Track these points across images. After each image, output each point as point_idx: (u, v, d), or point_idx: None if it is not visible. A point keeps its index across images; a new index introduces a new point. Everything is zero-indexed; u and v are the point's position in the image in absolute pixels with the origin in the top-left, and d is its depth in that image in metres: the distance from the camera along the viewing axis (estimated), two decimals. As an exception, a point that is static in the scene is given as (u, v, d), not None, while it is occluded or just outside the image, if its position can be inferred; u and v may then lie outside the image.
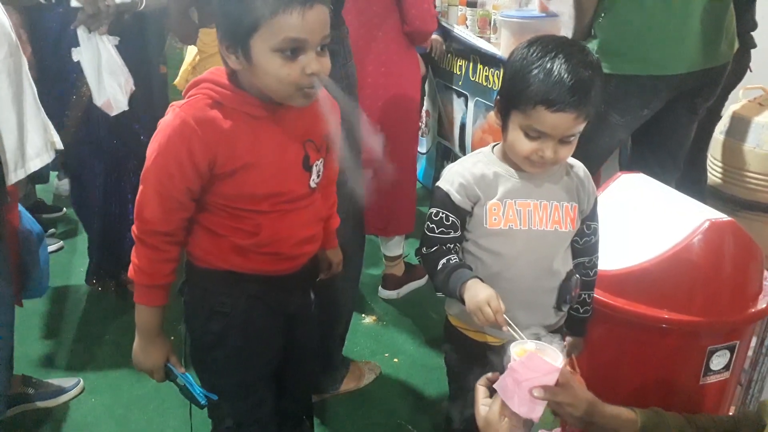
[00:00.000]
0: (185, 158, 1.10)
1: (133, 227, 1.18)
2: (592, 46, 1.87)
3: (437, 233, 1.23)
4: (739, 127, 2.48)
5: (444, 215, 1.23)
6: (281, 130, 1.16)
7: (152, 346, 1.24)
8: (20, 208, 1.72)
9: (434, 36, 2.96)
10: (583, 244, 1.32)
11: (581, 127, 1.14)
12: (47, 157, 1.54)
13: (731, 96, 2.54)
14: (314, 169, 1.23)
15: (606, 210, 1.58)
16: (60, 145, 1.63)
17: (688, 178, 2.38)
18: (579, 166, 1.29)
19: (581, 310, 1.36)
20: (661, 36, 1.82)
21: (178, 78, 2.77)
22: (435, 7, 2.25)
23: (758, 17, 2.43)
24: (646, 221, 1.54)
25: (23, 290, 1.77)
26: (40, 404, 1.91)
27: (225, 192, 1.16)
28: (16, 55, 1.42)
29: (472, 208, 1.23)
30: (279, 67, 1.06)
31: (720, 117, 2.56)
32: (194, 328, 1.29)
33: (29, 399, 1.90)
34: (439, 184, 1.26)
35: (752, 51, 2.44)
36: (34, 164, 1.50)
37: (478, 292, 1.11)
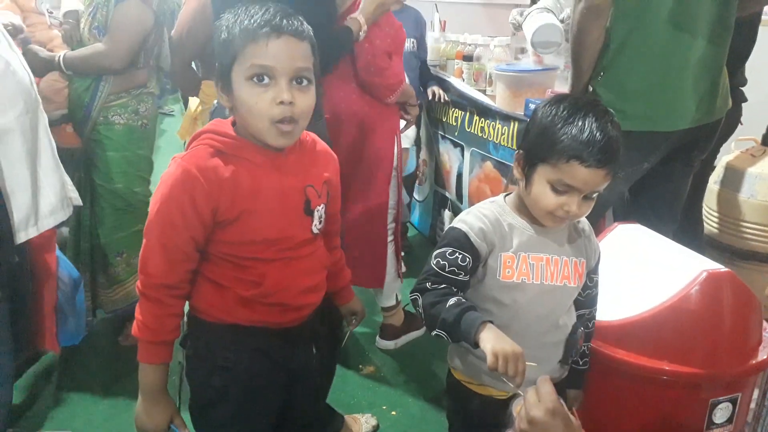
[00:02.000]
0: (188, 207, 1.11)
1: (137, 283, 1.17)
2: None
3: (447, 272, 1.18)
4: (733, 177, 2.52)
5: (460, 255, 1.18)
6: (282, 175, 1.18)
7: (156, 407, 1.20)
8: (58, 253, 1.72)
9: (433, 87, 3.02)
10: (585, 296, 1.33)
11: (607, 183, 1.16)
12: (62, 215, 1.55)
13: (723, 147, 2.60)
14: (316, 215, 1.23)
15: (603, 260, 1.59)
16: (78, 201, 1.64)
17: (684, 228, 2.39)
18: (584, 222, 1.31)
19: (581, 362, 1.36)
20: (660, 94, 1.86)
21: (180, 128, 2.82)
22: (390, 60, 2.25)
23: (747, 73, 2.52)
24: (643, 271, 1.54)
25: (60, 336, 1.76)
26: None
27: (228, 239, 1.16)
28: (33, 111, 1.43)
29: (487, 256, 1.21)
30: (249, 96, 1.10)
31: (713, 168, 2.61)
32: (196, 383, 1.26)
33: None
34: (455, 225, 1.23)
35: (743, 105, 2.52)
36: (48, 222, 1.50)
37: (505, 342, 1.06)
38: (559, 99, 1.19)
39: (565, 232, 1.26)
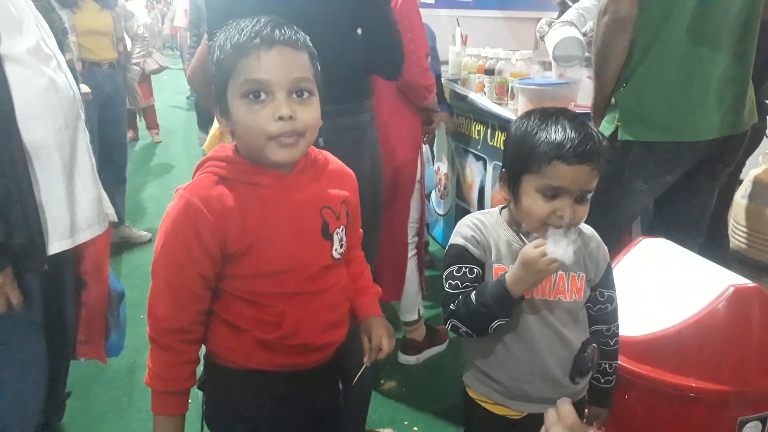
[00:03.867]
0: (193, 242, 1.03)
1: (147, 330, 1.09)
2: (613, 114, 1.90)
3: (462, 288, 1.19)
4: (762, 192, 2.48)
5: (467, 269, 1.20)
6: (293, 198, 1.09)
7: None
8: None
9: (443, 113, 3.01)
10: (597, 312, 1.29)
11: (595, 182, 1.14)
12: (98, 229, 1.57)
13: (749, 161, 2.55)
14: (335, 238, 1.14)
15: (628, 275, 1.57)
16: (114, 218, 1.67)
17: (709, 242, 2.35)
18: (589, 234, 1.28)
19: (602, 380, 1.33)
20: (683, 105, 1.84)
21: (206, 143, 2.86)
22: (427, 60, 2.28)
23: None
24: (668, 286, 1.52)
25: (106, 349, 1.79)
26: None
27: (241, 274, 1.07)
28: (73, 128, 1.45)
29: (485, 264, 1.22)
30: (245, 113, 1.01)
31: (739, 182, 2.56)
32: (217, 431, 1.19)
33: None
34: (452, 241, 1.24)
35: None
36: (84, 235, 1.51)
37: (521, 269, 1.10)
38: (528, 113, 1.20)
39: None
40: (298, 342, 1.11)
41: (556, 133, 1.11)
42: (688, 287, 1.46)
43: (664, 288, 1.52)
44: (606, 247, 1.30)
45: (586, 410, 1.32)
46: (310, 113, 1.05)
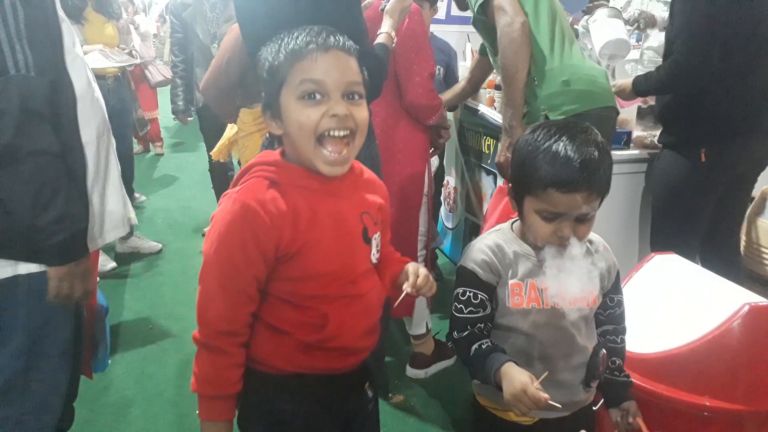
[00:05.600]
0: (251, 244, 1.04)
1: (195, 333, 1.10)
2: (538, 103, 2.08)
3: (466, 313, 1.22)
4: (773, 208, 2.47)
5: (472, 294, 1.22)
6: (338, 202, 1.13)
7: None
8: None
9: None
10: (607, 316, 1.31)
11: (596, 204, 1.15)
12: (122, 231, 1.60)
13: (761, 178, 2.52)
14: (373, 243, 1.18)
15: (641, 291, 1.56)
16: (135, 221, 1.70)
17: (722, 259, 2.34)
18: (598, 243, 1.29)
19: (620, 375, 1.32)
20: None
21: (215, 149, 2.87)
22: (432, 81, 2.29)
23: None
24: (682, 303, 1.51)
25: (93, 364, 1.78)
26: None
27: (290, 275, 1.09)
28: (106, 134, 1.51)
29: (497, 285, 1.22)
30: (300, 113, 1.05)
31: (751, 199, 2.55)
32: None
33: None
34: (462, 264, 1.26)
35: None
36: (111, 235, 1.55)
37: (513, 379, 1.08)
38: (535, 127, 1.20)
39: (576, 255, 1.22)
40: (339, 345, 1.14)
41: (554, 159, 1.11)
42: (702, 305, 1.45)
43: (677, 305, 1.51)
44: (614, 256, 1.30)
45: (616, 416, 1.31)
46: (362, 113, 1.10)
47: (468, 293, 1.22)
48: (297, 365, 1.13)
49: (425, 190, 2.43)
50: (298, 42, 1.06)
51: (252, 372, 1.15)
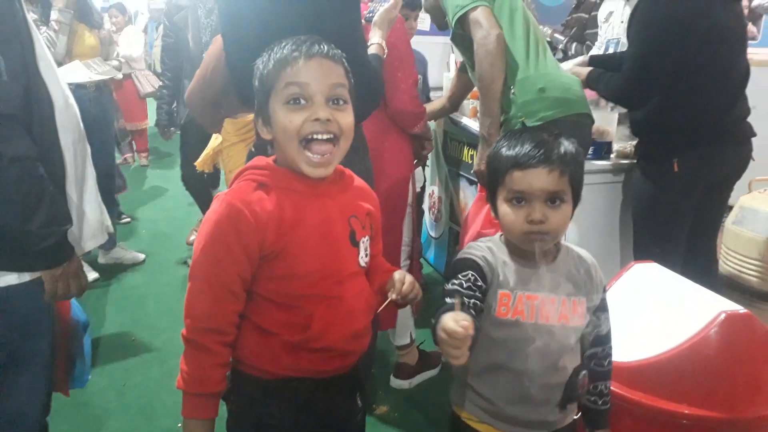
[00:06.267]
0: (234, 242, 1.09)
1: (182, 331, 1.13)
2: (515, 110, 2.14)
3: (464, 289, 1.16)
4: (751, 217, 2.50)
5: (474, 277, 1.18)
6: (325, 204, 1.17)
7: None
8: None
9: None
10: (595, 335, 1.29)
11: (563, 183, 1.16)
12: (101, 239, 1.59)
13: (737, 186, 2.54)
14: (362, 246, 1.21)
15: (620, 300, 1.58)
16: (111, 229, 1.69)
17: (699, 267, 2.37)
18: (587, 258, 1.29)
19: (600, 402, 1.31)
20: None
21: (200, 159, 2.86)
22: (416, 88, 2.32)
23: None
24: (660, 312, 1.53)
25: (69, 381, 1.72)
26: None
27: (275, 274, 1.13)
28: (82, 142, 1.50)
29: (489, 287, 1.21)
30: (285, 117, 1.11)
31: (728, 207, 2.58)
32: None
33: None
34: (459, 256, 1.25)
35: (753, 140, 2.35)
36: (90, 244, 1.54)
37: (442, 324, 0.97)
38: (501, 136, 1.27)
39: (563, 270, 1.24)
40: (324, 345, 1.15)
41: (514, 146, 1.19)
42: (680, 313, 1.47)
43: (656, 313, 1.53)
44: (601, 273, 1.31)
45: None
46: (346, 118, 1.15)
47: (472, 276, 1.18)
48: (283, 367, 1.15)
49: (410, 200, 2.44)
50: (284, 51, 1.13)
51: (240, 375, 1.18)
